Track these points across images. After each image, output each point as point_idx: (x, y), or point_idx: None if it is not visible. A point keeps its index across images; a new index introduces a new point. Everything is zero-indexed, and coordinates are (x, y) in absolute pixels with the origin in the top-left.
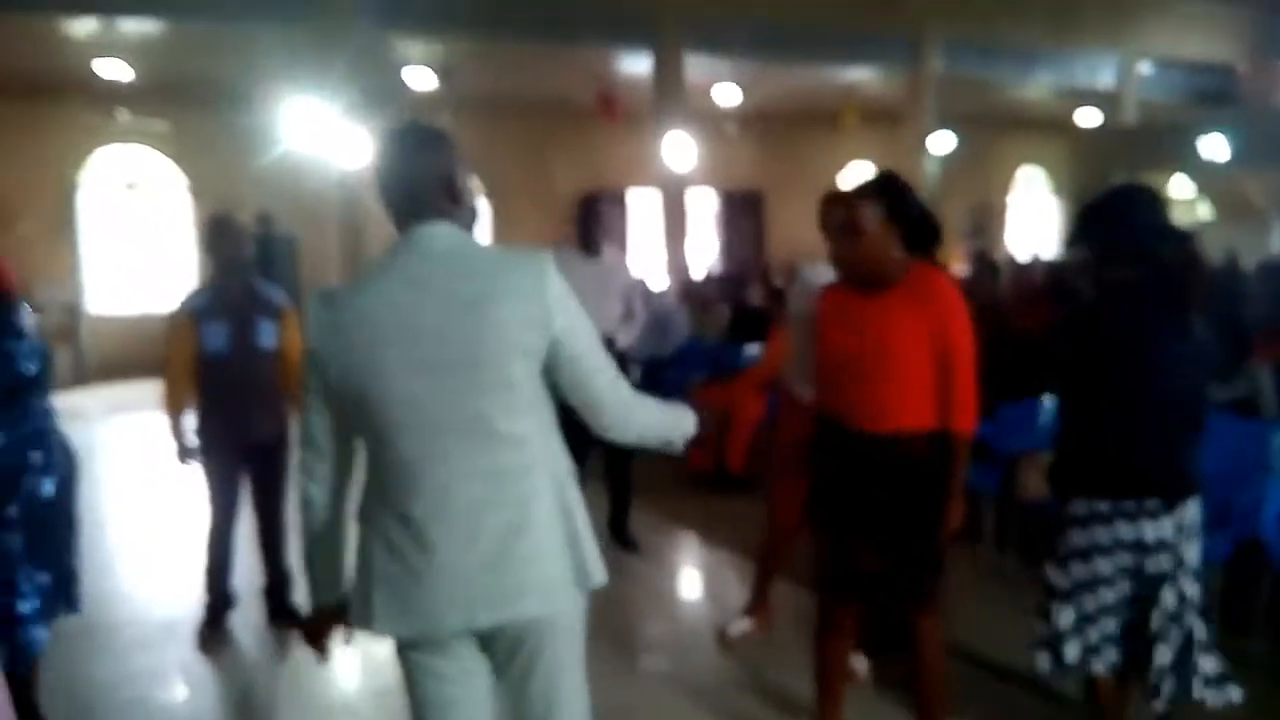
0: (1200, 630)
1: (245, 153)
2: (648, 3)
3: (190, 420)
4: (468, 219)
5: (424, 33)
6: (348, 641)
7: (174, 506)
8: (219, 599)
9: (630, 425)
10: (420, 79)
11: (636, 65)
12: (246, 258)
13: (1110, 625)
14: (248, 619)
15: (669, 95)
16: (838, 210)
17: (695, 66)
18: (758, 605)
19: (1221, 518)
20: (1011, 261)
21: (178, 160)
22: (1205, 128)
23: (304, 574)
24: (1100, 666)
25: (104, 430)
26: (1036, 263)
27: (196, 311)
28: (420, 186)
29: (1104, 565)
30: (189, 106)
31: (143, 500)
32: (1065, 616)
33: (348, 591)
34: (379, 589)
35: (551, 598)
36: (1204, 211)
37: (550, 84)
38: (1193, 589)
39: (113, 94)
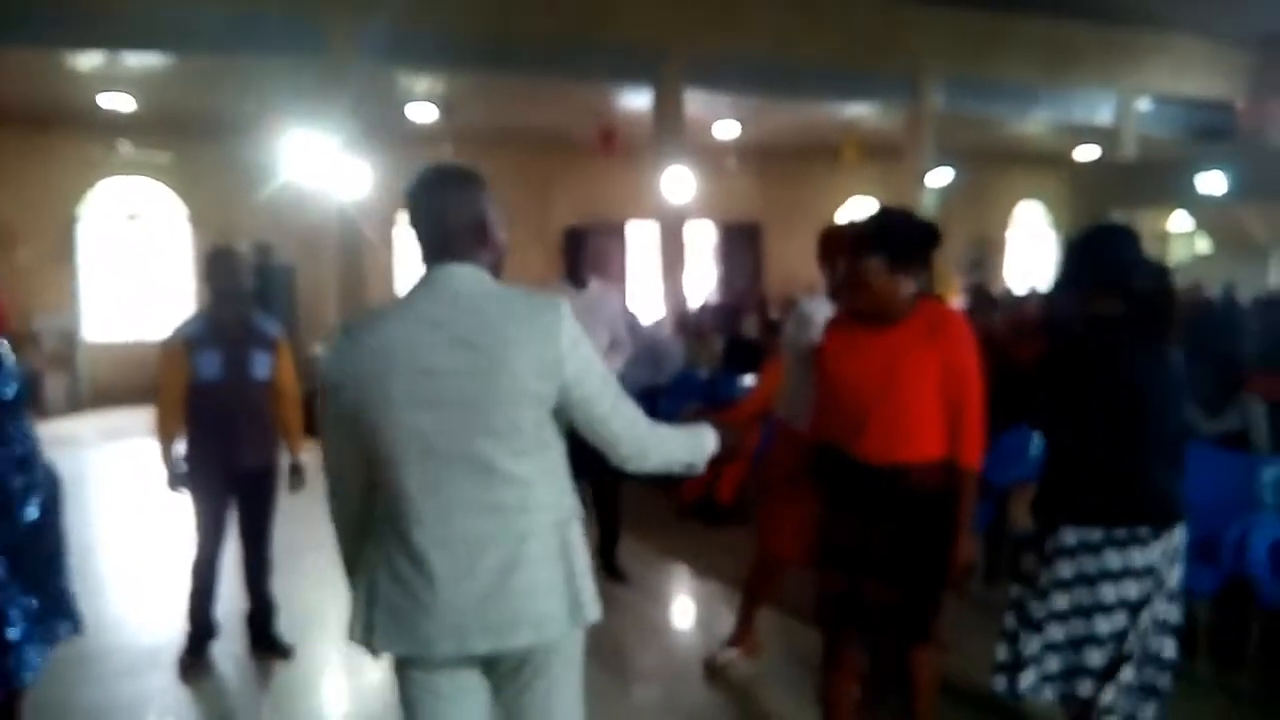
0: (1170, 651)
1: (245, 184)
2: (648, 39)
3: (181, 448)
4: (494, 260)
5: (426, 68)
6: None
7: (166, 533)
8: (201, 627)
9: (648, 457)
10: (421, 113)
11: (637, 100)
12: (245, 289)
13: (1074, 657)
14: (230, 647)
15: (669, 130)
16: (840, 259)
17: (695, 102)
18: (743, 634)
19: (1210, 551)
20: (1009, 295)
21: (178, 191)
22: (1203, 163)
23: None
24: (1050, 695)
25: (98, 456)
26: (1033, 296)
27: (190, 340)
28: (451, 227)
29: (1084, 596)
30: (190, 138)
31: (135, 527)
32: (1032, 644)
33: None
34: (379, 609)
35: (544, 631)
36: (1202, 246)
37: (551, 118)
38: (1170, 611)
39: (115, 126)
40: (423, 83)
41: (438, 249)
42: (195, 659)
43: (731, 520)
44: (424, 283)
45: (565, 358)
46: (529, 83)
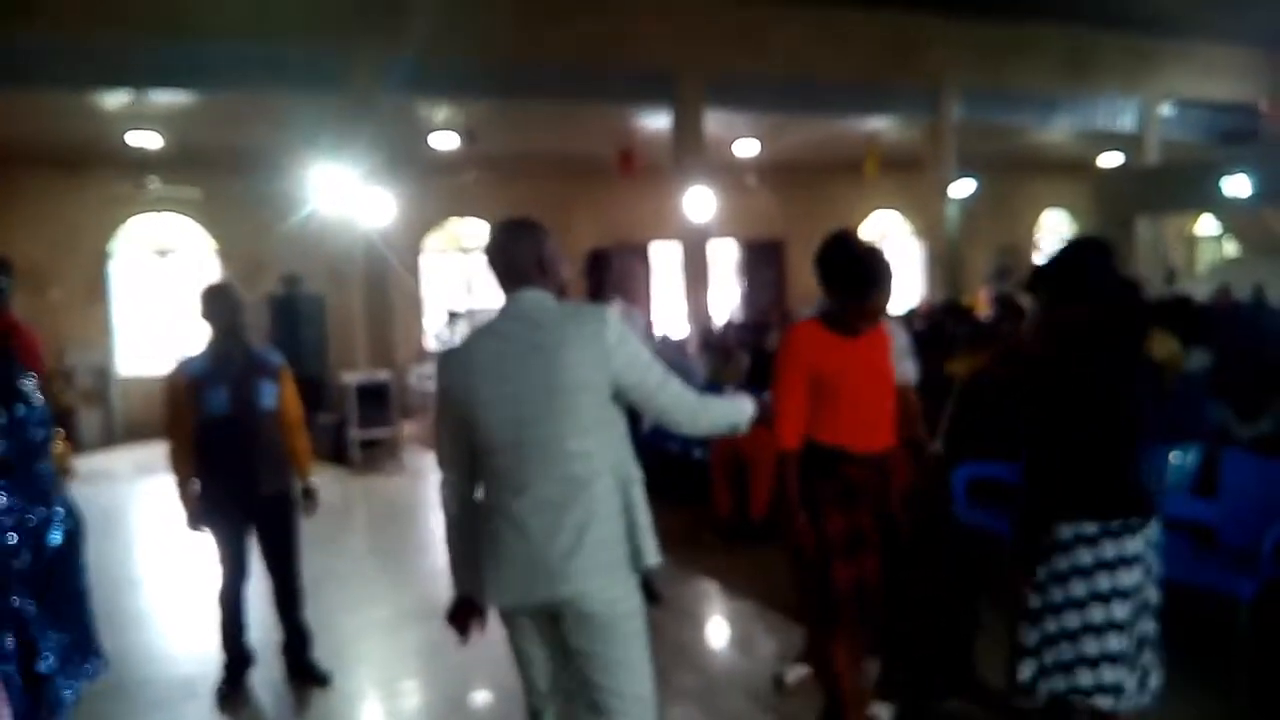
0: (1153, 631)
1: (273, 217)
2: (665, 61)
3: (196, 485)
4: (556, 286)
5: (447, 97)
6: (482, 628)
7: (200, 565)
8: (236, 657)
9: (698, 423)
10: (443, 141)
11: (656, 121)
12: (241, 323)
13: (1068, 651)
14: (267, 676)
15: (689, 150)
16: None
17: (714, 121)
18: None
19: (1248, 557)
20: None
21: (207, 225)
22: (1228, 166)
23: (450, 565)
24: (1045, 690)
25: (133, 490)
26: None
27: (196, 377)
28: (519, 263)
29: (1079, 588)
30: (218, 173)
31: (170, 559)
32: (1031, 636)
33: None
34: (490, 569)
35: (613, 578)
36: (1230, 249)
37: (571, 142)
38: (1155, 595)
39: (144, 163)
40: (444, 112)
41: (512, 280)
42: (233, 688)
43: (763, 538)
44: (503, 309)
45: (612, 352)
46: (548, 108)
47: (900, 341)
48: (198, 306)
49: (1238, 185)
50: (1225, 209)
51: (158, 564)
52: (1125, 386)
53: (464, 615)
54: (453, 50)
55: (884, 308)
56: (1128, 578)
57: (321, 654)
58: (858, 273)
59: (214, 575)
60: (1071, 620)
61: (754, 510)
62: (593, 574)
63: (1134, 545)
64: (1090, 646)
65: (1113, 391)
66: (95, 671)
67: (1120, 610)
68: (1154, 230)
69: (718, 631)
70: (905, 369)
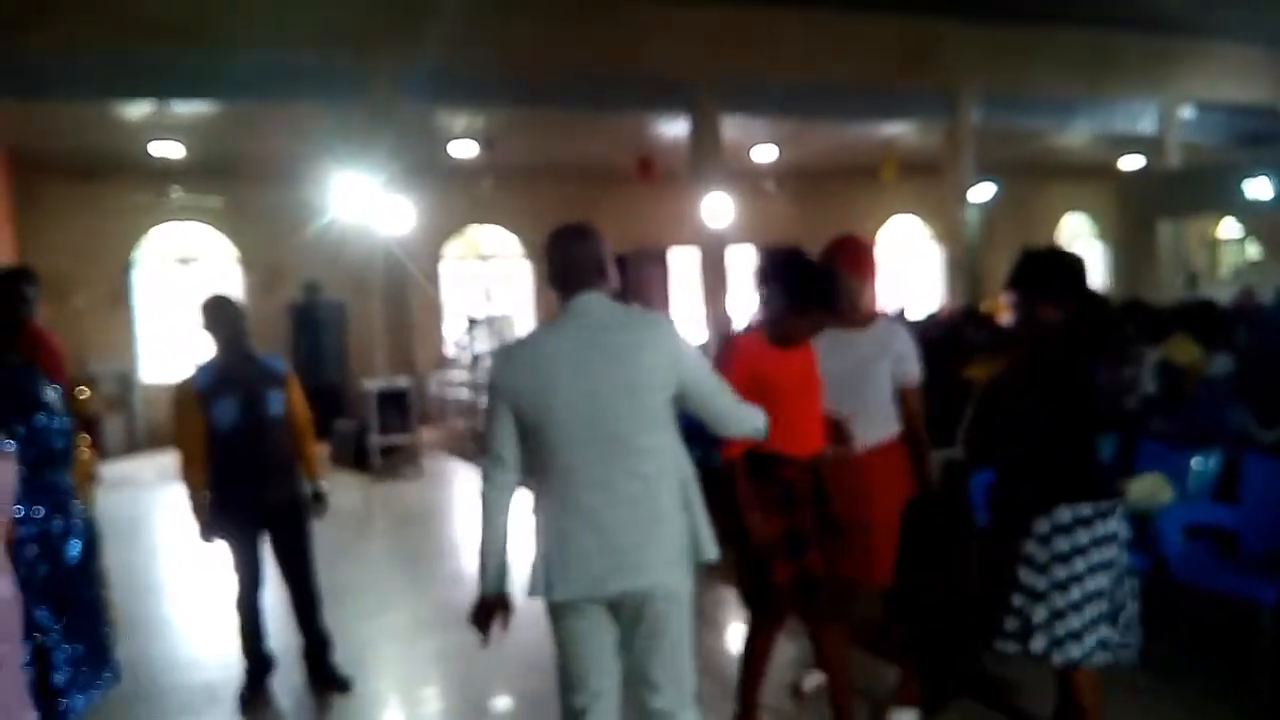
0: (1133, 591)
1: (294, 225)
2: (683, 68)
3: (207, 496)
4: (611, 290)
5: (465, 105)
6: (505, 627)
7: (222, 572)
8: (257, 663)
9: (742, 426)
10: (462, 149)
11: (674, 128)
12: (243, 333)
13: (1075, 621)
14: (289, 682)
15: (707, 156)
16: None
17: (732, 127)
18: None
19: (1269, 562)
20: None
21: (229, 234)
22: (1250, 169)
23: (479, 563)
24: (1060, 660)
25: (156, 497)
26: None
27: (204, 390)
28: (581, 266)
29: (1080, 564)
30: (239, 182)
31: (193, 565)
32: (1039, 612)
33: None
34: (557, 562)
35: (681, 570)
36: (1253, 251)
37: (589, 149)
38: (1127, 559)
39: (166, 173)
40: (463, 120)
41: (573, 283)
42: (254, 694)
43: None
44: (567, 310)
45: (679, 356)
46: (567, 115)
47: (901, 342)
48: (199, 319)
49: (1260, 188)
50: (1247, 212)
51: (180, 570)
52: (1095, 388)
53: (488, 615)
54: (471, 59)
55: (824, 325)
56: (1111, 552)
57: (342, 659)
58: (803, 289)
59: (231, 583)
60: (1075, 594)
61: None
62: (665, 566)
63: (1114, 522)
64: (1091, 611)
65: (1094, 387)
66: (107, 684)
67: (1106, 580)
68: (1176, 233)
69: (736, 638)
70: (908, 370)
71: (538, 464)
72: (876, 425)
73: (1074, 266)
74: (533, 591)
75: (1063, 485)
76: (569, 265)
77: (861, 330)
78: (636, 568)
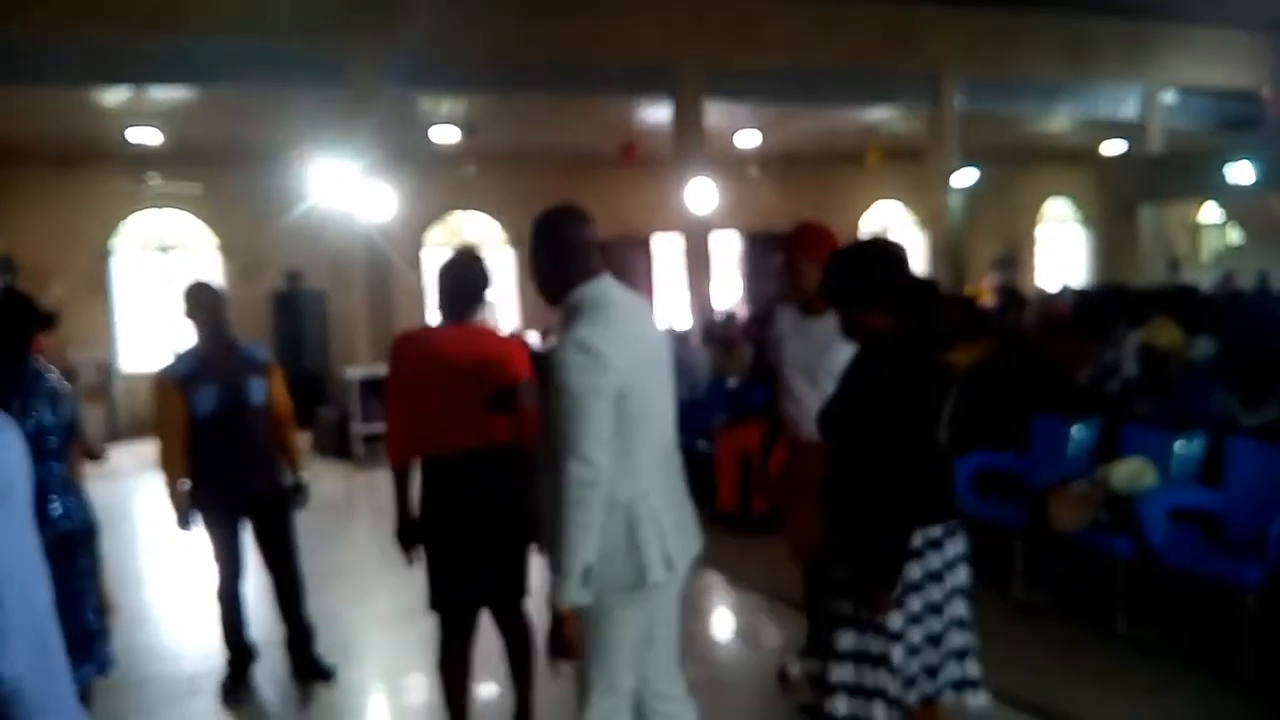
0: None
1: (274, 212)
2: (665, 53)
3: (186, 484)
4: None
5: (447, 91)
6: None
7: (204, 561)
8: (239, 653)
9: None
10: (444, 134)
11: (657, 113)
12: (226, 319)
13: (932, 655)
14: (271, 671)
15: (689, 142)
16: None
17: (715, 112)
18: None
19: (1253, 545)
20: (1040, 293)
21: (209, 221)
22: (1232, 153)
23: (571, 564)
24: (914, 698)
25: (137, 486)
26: (1065, 293)
27: (184, 378)
28: (591, 249)
29: (935, 592)
30: (219, 169)
31: (175, 555)
32: (896, 653)
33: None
34: (670, 538)
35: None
36: (1234, 236)
37: (571, 135)
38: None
39: (144, 159)
40: (444, 105)
41: (584, 265)
42: (236, 684)
43: (766, 529)
44: (602, 293)
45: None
46: (549, 100)
47: None
48: (180, 306)
49: (1241, 172)
50: (1229, 196)
51: (161, 560)
52: (942, 395)
53: (569, 630)
54: (453, 44)
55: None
56: (963, 575)
57: (325, 649)
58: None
59: (211, 573)
60: (934, 624)
61: (756, 503)
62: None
63: (962, 543)
64: (955, 640)
65: (940, 398)
66: (87, 675)
67: (963, 608)
68: (1158, 218)
69: (723, 624)
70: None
71: (629, 447)
72: None
73: (889, 259)
74: (648, 578)
75: (918, 505)
76: (581, 246)
77: (821, 317)
78: (698, 533)
